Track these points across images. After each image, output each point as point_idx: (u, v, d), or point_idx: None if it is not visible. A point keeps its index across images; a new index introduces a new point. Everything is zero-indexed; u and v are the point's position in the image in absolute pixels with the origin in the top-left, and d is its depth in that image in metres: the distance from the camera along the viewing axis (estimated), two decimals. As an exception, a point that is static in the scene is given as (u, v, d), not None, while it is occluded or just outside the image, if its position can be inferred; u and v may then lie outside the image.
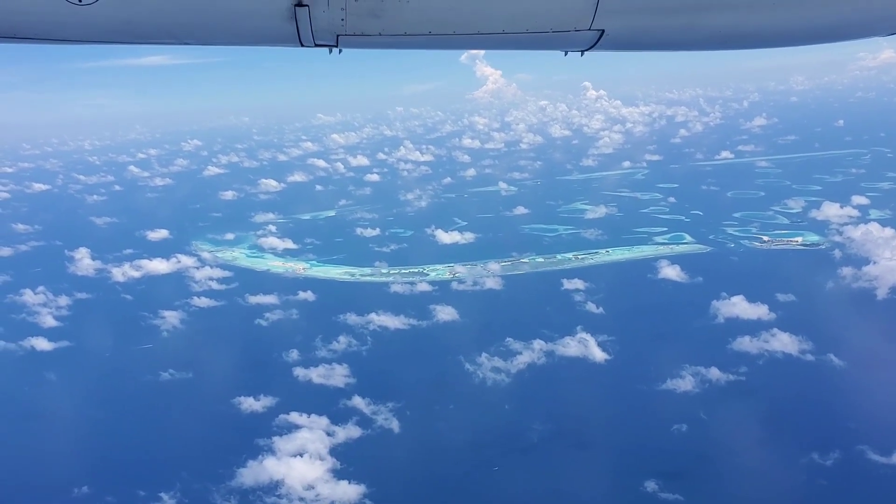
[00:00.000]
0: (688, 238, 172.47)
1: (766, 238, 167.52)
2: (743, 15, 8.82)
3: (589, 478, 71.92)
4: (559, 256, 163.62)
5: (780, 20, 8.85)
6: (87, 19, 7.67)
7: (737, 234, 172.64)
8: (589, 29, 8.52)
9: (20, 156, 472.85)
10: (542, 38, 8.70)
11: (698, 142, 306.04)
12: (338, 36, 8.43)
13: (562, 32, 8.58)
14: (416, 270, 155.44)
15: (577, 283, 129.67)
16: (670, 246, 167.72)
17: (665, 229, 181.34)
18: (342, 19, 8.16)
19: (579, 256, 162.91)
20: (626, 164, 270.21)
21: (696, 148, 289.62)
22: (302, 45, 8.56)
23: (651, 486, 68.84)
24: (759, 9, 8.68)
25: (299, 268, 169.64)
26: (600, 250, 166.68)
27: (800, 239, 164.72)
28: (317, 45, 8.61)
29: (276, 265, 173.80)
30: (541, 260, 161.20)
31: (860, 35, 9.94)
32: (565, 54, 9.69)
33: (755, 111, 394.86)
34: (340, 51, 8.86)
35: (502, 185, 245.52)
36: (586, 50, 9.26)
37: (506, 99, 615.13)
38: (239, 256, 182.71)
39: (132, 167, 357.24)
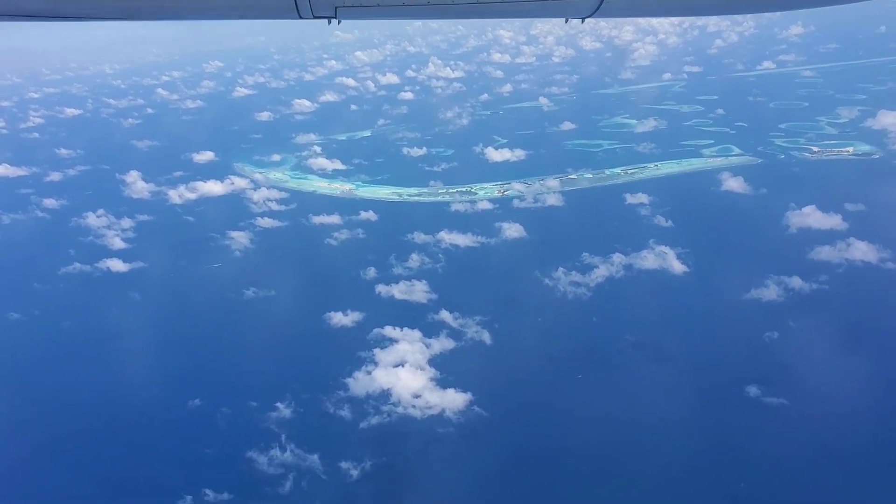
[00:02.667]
0: (736, 150, 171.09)
1: (815, 149, 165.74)
2: None
3: (689, 386, 74.15)
4: (608, 172, 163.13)
5: None
6: None
7: (785, 145, 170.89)
8: None
9: (43, 81, 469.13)
10: (543, 6, 8.60)
11: (736, 52, 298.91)
12: (336, 7, 8.36)
13: (563, 0, 8.47)
14: (469, 189, 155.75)
15: (641, 198, 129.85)
16: (719, 158, 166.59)
17: (711, 142, 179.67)
18: None
19: (629, 171, 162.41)
20: (667, 76, 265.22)
21: (735, 58, 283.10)
22: (300, 18, 8.42)
23: (753, 391, 70.86)
24: None
25: (345, 188, 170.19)
26: (649, 164, 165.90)
27: (850, 149, 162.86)
28: (315, 18, 8.47)
29: (322, 186, 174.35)
30: (590, 176, 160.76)
31: None
32: (566, 21, 9.55)
33: (790, 20, 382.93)
34: (339, 21, 8.73)
35: (543, 100, 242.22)
36: (587, 17, 9.12)
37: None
38: (284, 178, 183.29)
39: (160, 90, 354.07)
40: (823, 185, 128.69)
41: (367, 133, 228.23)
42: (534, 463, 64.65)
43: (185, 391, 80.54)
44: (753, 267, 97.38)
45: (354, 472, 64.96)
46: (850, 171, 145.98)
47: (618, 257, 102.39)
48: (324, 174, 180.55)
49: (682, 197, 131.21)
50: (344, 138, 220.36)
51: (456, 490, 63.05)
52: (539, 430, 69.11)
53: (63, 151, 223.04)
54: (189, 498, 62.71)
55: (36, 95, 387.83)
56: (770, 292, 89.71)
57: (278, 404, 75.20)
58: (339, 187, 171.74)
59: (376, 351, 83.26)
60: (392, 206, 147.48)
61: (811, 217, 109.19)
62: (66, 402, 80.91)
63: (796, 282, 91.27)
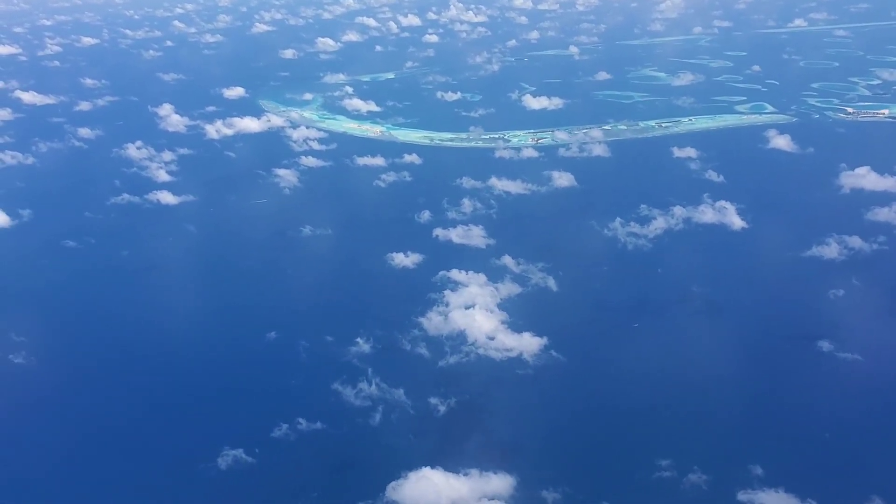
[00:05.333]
0: (769, 108, 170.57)
1: (850, 110, 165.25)
2: None
3: (762, 338, 75.79)
4: (642, 124, 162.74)
5: None
6: None
7: (819, 104, 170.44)
8: None
9: (51, 7, 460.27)
10: None
11: (765, 7, 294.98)
12: None
13: None
14: (502, 136, 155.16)
15: (689, 151, 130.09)
16: (753, 115, 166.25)
17: (744, 98, 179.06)
18: None
19: (663, 124, 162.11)
20: (697, 29, 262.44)
21: (766, 14, 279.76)
22: None
23: (825, 346, 72.43)
24: None
25: (376, 130, 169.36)
26: (683, 119, 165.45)
27: (886, 111, 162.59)
28: None
29: (353, 127, 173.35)
30: (623, 127, 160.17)
31: None
32: None
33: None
34: None
35: (573, 49, 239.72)
36: None
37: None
38: (313, 117, 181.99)
39: (176, 22, 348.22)
40: (871, 146, 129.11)
41: (391, 75, 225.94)
42: (613, 405, 66.49)
43: (260, 323, 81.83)
44: (810, 225, 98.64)
45: (441, 408, 66.60)
46: (892, 133, 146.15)
47: (678, 210, 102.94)
48: (357, 115, 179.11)
49: (730, 152, 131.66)
50: (368, 79, 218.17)
51: (537, 428, 64.78)
52: (617, 375, 70.81)
53: (88, 81, 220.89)
54: (285, 426, 64.32)
55: (48, 23, 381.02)
56: (831, 250, 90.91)
57: (358, 339, 76.50)
58: (370, 129, 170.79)
59: (446, 293, 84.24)
60: (433, 151, 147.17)
61: (865, 178, 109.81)
62: (147, 332, 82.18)
63: (856, 241, 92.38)
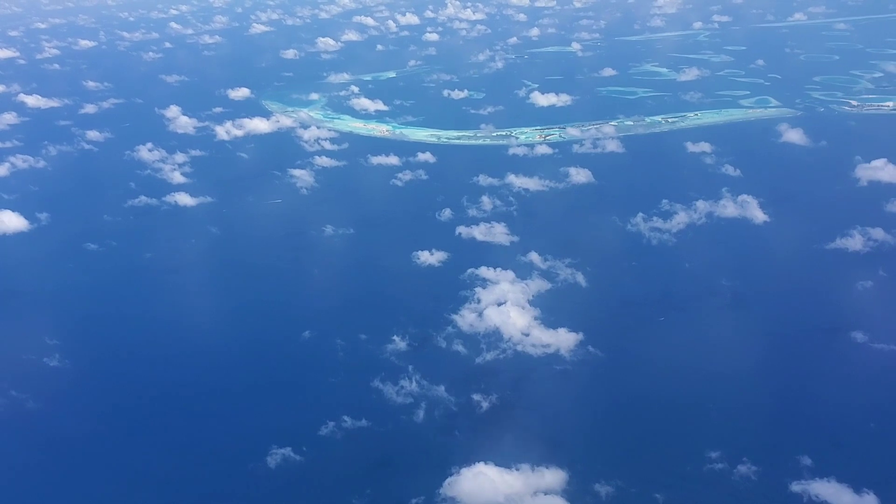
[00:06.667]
0: (774, 102, 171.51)
1: (854, 102, 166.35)
2: None
3: (797, 329, 76.44)
4: (648, 119, 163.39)
5: None
6: None
7: (823, 98, 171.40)
8: None
9: (44, 11, 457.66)
10: None
11: (764, 2, 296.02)
12: None
13: None
14: (508, 133, 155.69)
15: (704, 146, 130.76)
16: (759, 109, 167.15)
17: (748, 92, 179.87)
18: None
19: (669, 119, 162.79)
20: (698, 24, 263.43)
21: (764, 9, 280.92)
22: None
23: (860, 336, 73.06)
24: None
25: (382, 129, 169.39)
26: (688, 114, 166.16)
27: (890, 104, 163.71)
28: None
29: (358, 126, 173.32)
30: (630, 123, 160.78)
31: None
32: None
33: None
34: None
35: (576, 45, 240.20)
36: None
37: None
38: (318, 117, 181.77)
39: (172, 24, 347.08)
40: (884, 138, 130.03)
41: (393, 74, 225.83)
42: (654, 398, 66.93)
43: (294, 323, 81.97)
44: (831, 217, 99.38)
45: (484, 404, 66.92)
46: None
47: (701, 204, 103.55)
48: (365, 115, 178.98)
49: (744, 147, 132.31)
50: (370, 78, 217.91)
51: (582, 423, 65.15)
52: (655, 368, 71.27)
53: (91, 84, 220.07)
54: (331, 424, 64.52)
55: (43, 26, 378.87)
56: (855, 242, 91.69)
57: (394, 337, 76.73)
58: (376, 128, 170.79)
59: (477, 289, 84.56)
60: (445, 149, 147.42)
61: (883, 171, 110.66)
62: (183, 332, 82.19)
63: (878, 233, 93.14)
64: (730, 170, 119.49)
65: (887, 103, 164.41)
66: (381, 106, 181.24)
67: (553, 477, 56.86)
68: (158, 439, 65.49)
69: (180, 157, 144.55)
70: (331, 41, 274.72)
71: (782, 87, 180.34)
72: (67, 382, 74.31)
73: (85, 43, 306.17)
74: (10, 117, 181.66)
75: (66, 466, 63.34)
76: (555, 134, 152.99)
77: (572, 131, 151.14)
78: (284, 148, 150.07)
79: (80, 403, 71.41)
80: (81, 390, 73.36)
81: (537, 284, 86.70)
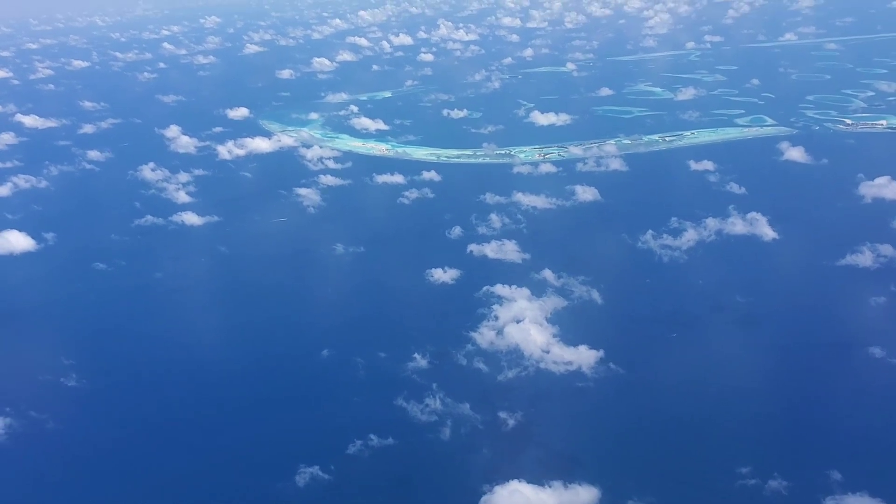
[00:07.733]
0: (769, 120, 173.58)
1: (848, 121, 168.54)
2: None
3: (815, 345, 76.91)
4: (646, 138, 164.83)
5: None
6: None
7: (817, 116, 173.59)
8: None
9: (34, 31, 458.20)
10: None
11: (754, 22, 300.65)
12: None
13: None
14: (508, 151, 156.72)
15: (707, 164, 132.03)
16: (755, 128, 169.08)
17: (742, 111, 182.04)
18: None
19: (666, 138, 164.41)
20: (690, 44, 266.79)
21: (755, 29, 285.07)
22: None
23: (877, 352, 73.68)
24: None
25: (381, 148, 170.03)
26: (685, 132, 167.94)
27: (884, 122, 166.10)
28: None
29: (357, 145, 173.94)
30: (628, 142, 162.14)
31: None
32: None
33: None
34: None
35: (571, 65, 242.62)
36: None
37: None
38: (317, 136, 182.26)
39: (165, 44, 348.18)
40: (884, 156, 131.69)
41: (388, 94, 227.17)
42: (680, 415, 67.12)
43: (312, 342, 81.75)
44: (839, 234, 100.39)
45: (510, 422, 66.90)
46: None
47: (711, 222, 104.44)
48: (365, 134, 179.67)
49: (747, 165, 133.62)
50: (365, 98, 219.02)
51: (609, 440, 65.22)
52: (677, 385, 71.52)
53: (87, 104, 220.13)
54: (359, 442, 64.24)
55: (34, 46, 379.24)
56: (865, 258, 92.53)
57: (415, 355, 76.67)
58: (375, 147, 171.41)
59: (495, 307, 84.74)
60: (449, 168, 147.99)
61: (887, 188, 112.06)
62: (201, 352, 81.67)
63: (888, 249, 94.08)
64: (734, 187, 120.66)
65: (881, 122, 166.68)
66: (381, 125, 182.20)
67: (586, 494, 56.79)
68: (183, 458, 64.93)
69: (184, 177, 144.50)
70: (326, 61, 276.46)
71: (776, 105, 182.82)
72: (86, 402, 73.64)
73: (78, 63, 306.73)
74: (8, 137, 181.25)
75: (89, 486, 62.71)
76: (554, 153, 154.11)
77: (574, 150, 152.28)
78: (288, 167, 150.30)
79: (101, 423, 70.75)
80: (101, 410, 72.71)
81: (553, 302, 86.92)
